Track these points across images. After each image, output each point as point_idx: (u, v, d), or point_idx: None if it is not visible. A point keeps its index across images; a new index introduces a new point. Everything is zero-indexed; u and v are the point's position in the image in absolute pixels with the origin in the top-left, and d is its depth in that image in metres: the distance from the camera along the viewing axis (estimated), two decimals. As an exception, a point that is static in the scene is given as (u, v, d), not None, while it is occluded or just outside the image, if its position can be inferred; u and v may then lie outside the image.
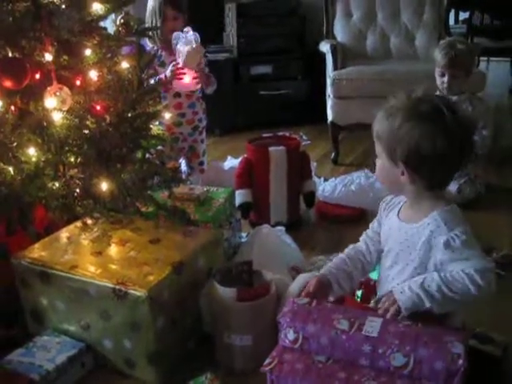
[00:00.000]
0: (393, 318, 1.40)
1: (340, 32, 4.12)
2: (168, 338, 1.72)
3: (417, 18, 4.05)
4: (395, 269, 1.54)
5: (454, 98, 2.79)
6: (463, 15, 6.01)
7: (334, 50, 3.71)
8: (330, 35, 4.15)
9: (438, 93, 2.82)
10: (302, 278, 1.82)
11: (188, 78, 2.77)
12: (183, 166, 3.11)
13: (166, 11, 2.85)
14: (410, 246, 1.48)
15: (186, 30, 2.69)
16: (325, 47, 3.83)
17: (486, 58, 5.93)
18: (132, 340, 1.69)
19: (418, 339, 1.33)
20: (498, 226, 2.64)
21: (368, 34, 4.10)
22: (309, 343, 1.42)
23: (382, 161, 1.49)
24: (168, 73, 2.77)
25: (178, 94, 2.95)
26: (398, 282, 1.48)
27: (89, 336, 1.77)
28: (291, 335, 1.43)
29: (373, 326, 1.38)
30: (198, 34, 2.67)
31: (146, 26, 2.76)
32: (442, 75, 2.86)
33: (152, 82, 2.26)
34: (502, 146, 3.64)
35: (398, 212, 1.56)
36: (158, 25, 2.84)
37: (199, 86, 2.88)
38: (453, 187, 2.80)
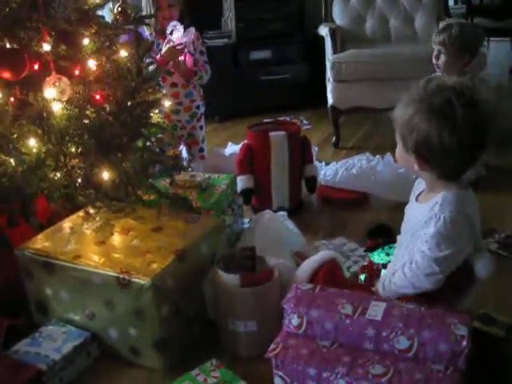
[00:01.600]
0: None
1: (339, 15, 4.09)
2: (173, 326, 1.73)
3: (416, 0, 4.02)
4: (403, 246, 1.59)
5: None
6: (463, -5, 5.97)
7: (333, 33, 3.69)
8: (329, 19, 4.12)
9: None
10: (306, 265, 1.83)
11: None
12: (184, 154, 3.10)
13: None
14: (416, 222, 1.51)
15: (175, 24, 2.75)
16: (324, 31, 3.81)
17: (486, 38, 5.89)
18: (137, 328, 1.69)
19: (422, 322, 1.34)
20: (499, 207, 2.64)
21: (367, 17, 4.07)
22: (313, 328, 1.42)
23: (398, 145, 1.51)
24: (164, 50, 2.79)
25: (174, 84, 2.95)
26: (405, 259, 1.52)
27: (94, 325, 1.78)
28: (295, 321, 1.44)
29: (376, 309, 1.39)
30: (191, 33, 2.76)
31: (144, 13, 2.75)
32: (437, 57, 2.80)
33: (152, 67, 2.25)
34: (503, 126, 3.63)
35: (418, 195, 1.59)
36: (153, 13, 2.82)
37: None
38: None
